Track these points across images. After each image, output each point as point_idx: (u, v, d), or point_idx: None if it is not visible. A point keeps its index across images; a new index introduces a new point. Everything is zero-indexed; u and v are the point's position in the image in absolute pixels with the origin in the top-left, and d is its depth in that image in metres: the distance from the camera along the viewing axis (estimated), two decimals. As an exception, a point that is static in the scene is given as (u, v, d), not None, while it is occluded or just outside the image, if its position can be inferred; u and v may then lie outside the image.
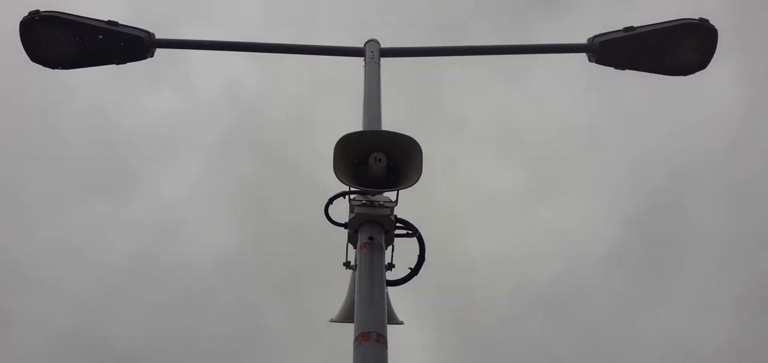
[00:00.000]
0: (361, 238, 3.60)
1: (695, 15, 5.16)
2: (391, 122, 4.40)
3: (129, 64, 5.06)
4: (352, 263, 3.87)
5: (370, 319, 3.17)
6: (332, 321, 3.93)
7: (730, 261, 12.49)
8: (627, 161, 12.57)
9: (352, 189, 3.74)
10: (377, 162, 3.53)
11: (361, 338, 3.08)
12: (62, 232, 13.11)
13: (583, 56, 5.33)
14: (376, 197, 3.73)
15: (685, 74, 5.39)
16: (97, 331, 12.59)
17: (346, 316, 3.90)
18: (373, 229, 3.61)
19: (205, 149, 13.56)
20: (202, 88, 13.80)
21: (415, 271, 3.79)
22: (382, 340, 3.09)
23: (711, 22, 5.17)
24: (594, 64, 5.30)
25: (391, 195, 3.74)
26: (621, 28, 5.20)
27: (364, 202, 3.70)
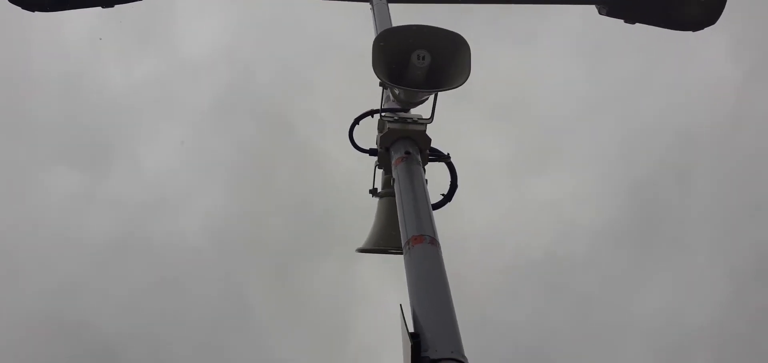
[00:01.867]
0: (396, 154, 3.30)
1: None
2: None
3: (117, 7, 4.66)
4: (380, 189, 3.59)
5: (420, 223, 2.87)
6: (359, 250, 3.62)
7: (725, 233, 12.31)
8: (624, 131, 12.24)
9: (382, 108, 3.46)
10: (420, 59, 3.22)
11: (413, 241, 2.77)
12: (35, 207, 12.23)
13: (590, 17, 5.20)
14: (408, 114, 3.45)
15: (694, 30, 5.28)
16: (73, 315, 11.69)
17: (373, 244, 3.60)
18: (408, 145, 3.33)
19: (193, 116, 12.76)
20: (190, 49, 12.98)
21: (448, 198, 3.53)
22: (435, 243, 2.78)
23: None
24: (595, 31, 5.17)
25: (423, 113, 3.46)
26: (632, -21, 5.08)
27: (395, 118, 3.42)
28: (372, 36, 4.61)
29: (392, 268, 3.67)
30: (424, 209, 2.97)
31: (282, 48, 11.24)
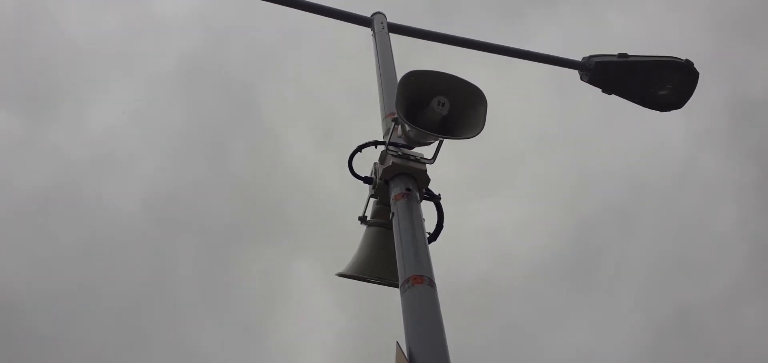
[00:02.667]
0: (397, 189, 3.44)
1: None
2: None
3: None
4: (369, 218, 3.71)
5: (419, 263, 3.02)
6: (340, 275, 3.73)
7: (655, 285, 12.85)
8: (575, 170, 12.64)
9: (388, 141, 3.60)
10: (440, 106, 3.37)
11: (412, 281, 2.92)
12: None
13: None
14: (411, 151, 3.60)
15: (662, 111, 5.64)
16: None
17: (355, 270, 3.72)
18: (408, 181, 3.47)
19: (153, 77, 12.25)
20: (163, 5, 12.42)
21: (433, 237, 3.67)
22: (433, 284, 2.94)
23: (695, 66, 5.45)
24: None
25: (426, 153, 3.61)
26: (615, 53, 5.39)
27: (399, 153, 3.56)
28: (370, 60, 4.78)
29: (330, 276, 3.76)
30: (423, 249, 3.13)
31: (260, 23, 11.01)
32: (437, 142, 3.51)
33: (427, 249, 3.15)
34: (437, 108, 3.37)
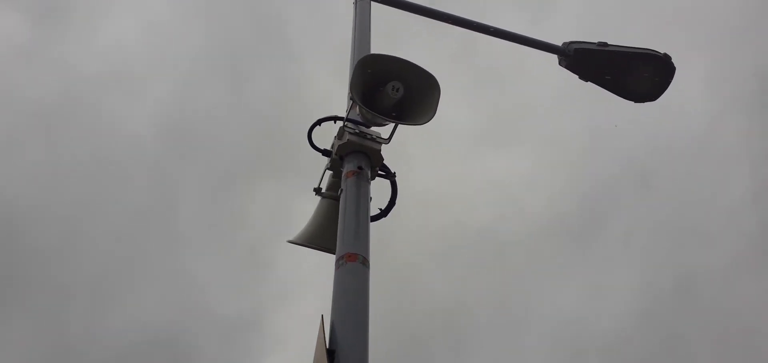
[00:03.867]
0: (349, 166, 3.62)
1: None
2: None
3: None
4: (324, 190, 3.91)
5: (357, 242, 3.22)
6: (291, 241, 3.96)
7: (658, 250, 12.78)
8: (587, 131, 12.40)
9: (346, 117, 3.76)
10: (395, 91, 3.54)
11: (346, 258, 3.13)
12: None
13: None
14: (368, 129, 3.77)
15: (636, 101, 5.75)
16: None
17: (305, 239, 3.94)
18: (361, 159, 3.65)
19: None
20: None
21: (385, 213, 3.87)
22: (366, 264, 3.15)
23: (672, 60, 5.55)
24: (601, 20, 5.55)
25: (383, 132, 3.79)
26: (595, 41, 5.48)
27: (356, 131, 3.73)
28: (350, 27, 4.89)
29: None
30: (363, 229, 3.33)
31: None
32: (393, 124, 3.68)
33: (367, 228, 3.35)
34: (391, 93, 3.53)
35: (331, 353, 2.68)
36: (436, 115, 3.49)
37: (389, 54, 3.53)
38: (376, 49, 4.62)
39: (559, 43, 5.54)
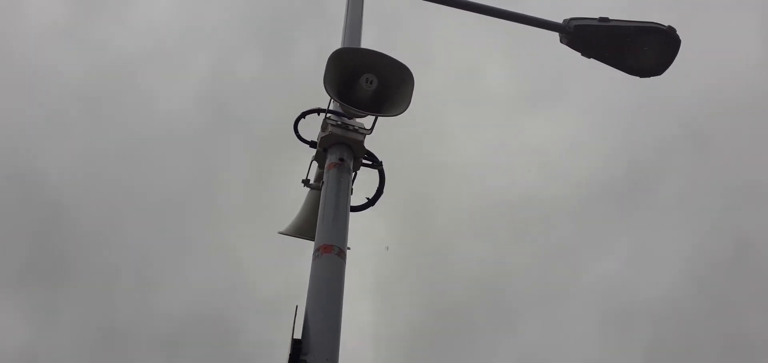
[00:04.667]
0: (331, 158, 3.71)
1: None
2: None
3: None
4: (312, 181, 4.00)
5: (333, 234, 3.31)
6: (281, 233, 4.08)
7: (714, 214, 12.24)
8: (635, 97, 11.98)
9: (330, 109, 3.84)
10: (368, 83, 3.60)
11: (322, 250, 3.23)
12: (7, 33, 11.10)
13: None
14: (351, 121, 3.85)
15: (642, 76, 5.69)
16: (26, 163, 11.00)
17: (295, 230, 4.06)
18: (343, 151, 3.73)
19: None
20: None
21: (372, 202, 3.95)
22: (342, 255, 3.24)
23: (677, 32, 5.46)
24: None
25: (365, 122, 3.86)
26: (596, 17, 5.43)
27: (338, 122, 3.81)
28: (343, 11, 4.93)
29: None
30: (341, 220, 3.42)
31: None
32: (374, 116, 3.75)
33: (345, 220, 3.43)
34: (365, 85, 3.60)
35: (297, 343, 2.78)
36: (410, 105, 3.54)
37: (362, 48, 3.59)
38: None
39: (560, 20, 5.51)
